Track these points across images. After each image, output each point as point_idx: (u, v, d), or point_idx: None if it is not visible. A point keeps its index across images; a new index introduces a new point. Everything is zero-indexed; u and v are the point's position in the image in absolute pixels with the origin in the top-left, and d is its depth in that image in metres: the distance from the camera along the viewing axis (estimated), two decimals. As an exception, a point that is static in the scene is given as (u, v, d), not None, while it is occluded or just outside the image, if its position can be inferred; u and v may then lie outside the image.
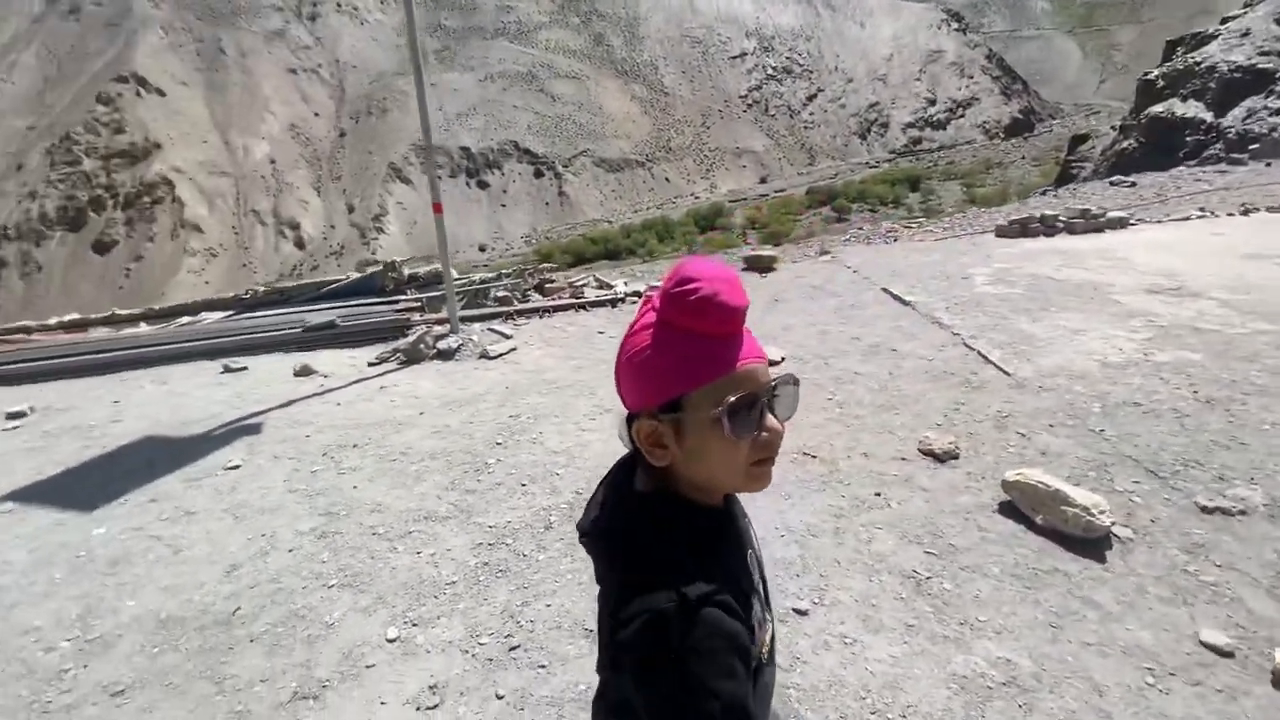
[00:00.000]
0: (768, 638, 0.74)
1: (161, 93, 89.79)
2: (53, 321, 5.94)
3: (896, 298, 6.01)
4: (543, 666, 2.12)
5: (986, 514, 2.82)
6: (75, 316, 6.12)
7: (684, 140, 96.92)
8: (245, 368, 5.39)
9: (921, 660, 2.08)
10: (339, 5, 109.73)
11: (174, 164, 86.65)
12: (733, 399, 0.68)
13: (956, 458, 3.28)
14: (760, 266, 7.62)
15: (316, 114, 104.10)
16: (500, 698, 2.01)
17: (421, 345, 5.44)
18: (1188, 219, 8.92)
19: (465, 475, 3.36)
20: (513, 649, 2.20)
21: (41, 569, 2.75)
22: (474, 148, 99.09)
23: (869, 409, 3.92)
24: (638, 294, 7.09)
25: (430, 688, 2.06)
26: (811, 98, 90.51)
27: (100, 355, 5.19)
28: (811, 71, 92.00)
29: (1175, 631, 2.14)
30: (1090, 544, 2.54)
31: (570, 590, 2.47)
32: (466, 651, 2.21)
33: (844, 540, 2.71)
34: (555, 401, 4.37)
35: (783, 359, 4.83)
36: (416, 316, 6.07)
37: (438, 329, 5.72)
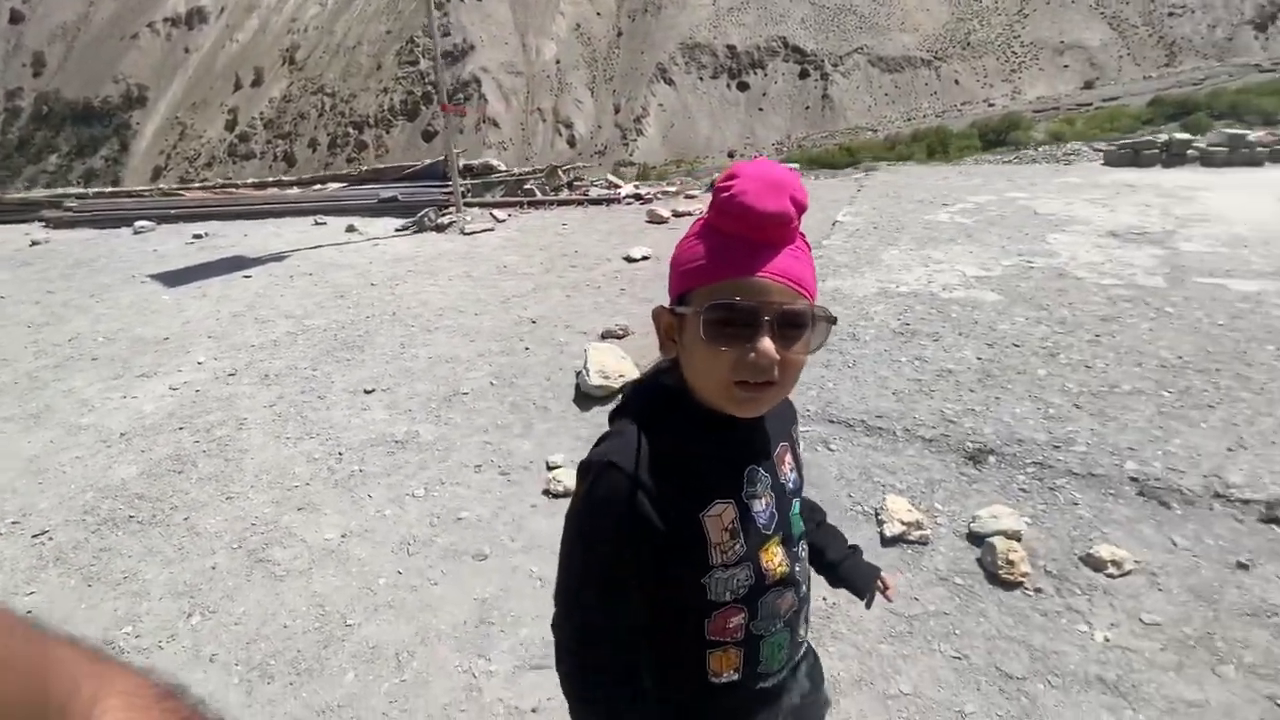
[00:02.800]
0: (735, 546, 0.72)
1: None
2: (251, 180, 8.98)
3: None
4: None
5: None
6: (261, 180, 9.10)
7: (989, 33, 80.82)
8: (325, 223, 7.64)
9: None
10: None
11: (482, 64, 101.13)
12: (713, 305, 0.64)
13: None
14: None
15: (599, 14, 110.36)
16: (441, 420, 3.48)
17: (425, 220, 7.03)
18: None
19: (371, 292, 4.86)
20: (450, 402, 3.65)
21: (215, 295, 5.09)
22: (740, 46, 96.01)
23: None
24: (637, 196, 7.62)
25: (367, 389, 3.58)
26: (1193, -30, 67.27)
27: (250, 207, 7.91)
28: (1203, -69, 67.90)
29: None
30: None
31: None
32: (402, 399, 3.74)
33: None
34: (462, 267, 5.60)
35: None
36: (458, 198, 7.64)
37: (449, 211, 7.23)
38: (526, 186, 8.00)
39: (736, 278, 0.64)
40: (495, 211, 7.31)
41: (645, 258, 5.33)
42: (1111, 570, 1.99)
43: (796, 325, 0.65)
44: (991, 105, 68.52)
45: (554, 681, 1.75)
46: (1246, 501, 2.15)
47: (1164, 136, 6.74)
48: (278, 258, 6.30)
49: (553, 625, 0.77)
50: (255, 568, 2.32)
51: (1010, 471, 2.41)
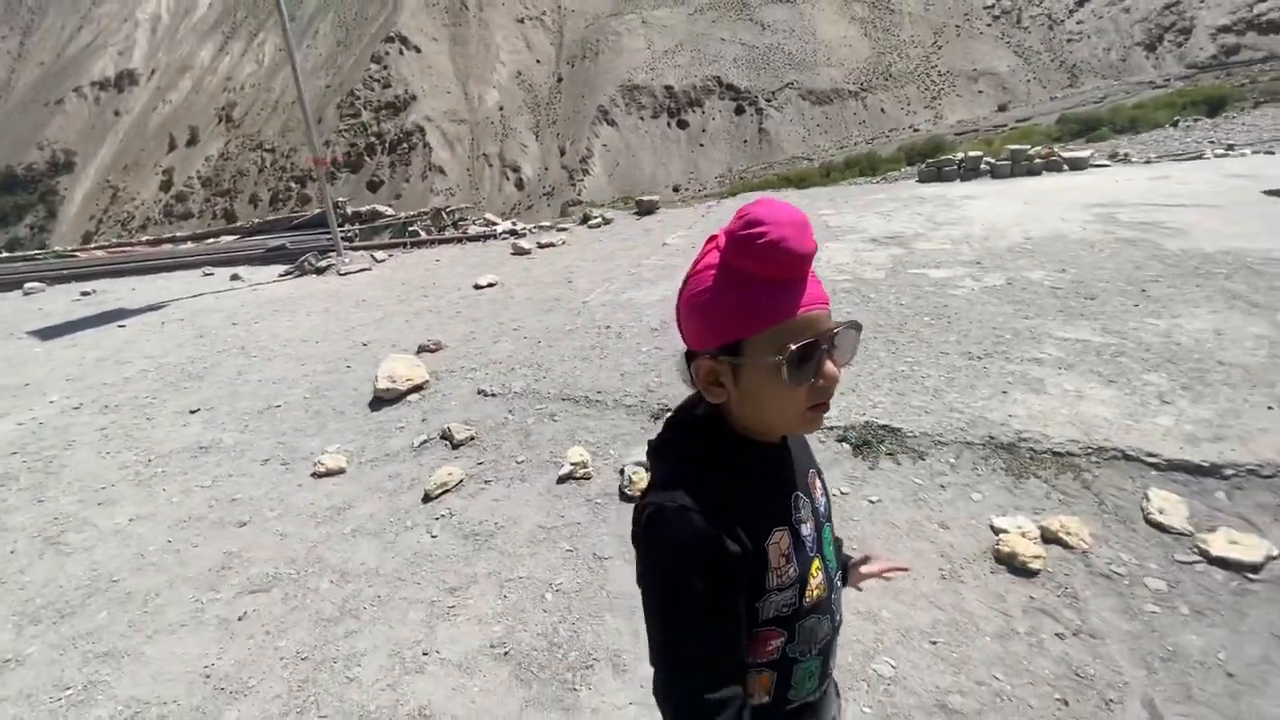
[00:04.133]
0: (790, 570, 0.75)
1: (418, 49, 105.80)
2: (145, 238, 9.43)
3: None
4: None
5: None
6: (153, 237, 9.58)
7: (908, 65, 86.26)
8: (213, 274, 8.11)
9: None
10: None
11: (425, 114, 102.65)
12: (794, 347, 0.67)
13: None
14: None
15: (538, 61, 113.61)
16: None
17: (306, 264, 7.58)
18: None
19: (230, 330, 5.35)
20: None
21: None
22: (677, 86, 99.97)
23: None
24: (512, 232, 8.36)
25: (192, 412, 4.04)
26: (1082, 2, 73.71)
27: (143, 263, 8.35)
28: (1088, -34, 74.56)
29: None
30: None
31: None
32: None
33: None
34: (324, 304, 6.15)
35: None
36: (343, 244, 8.21)
37: (331, 255, 7.80)
38: (412, 229, 8.66)
39: (793, 319, 0.68)
40: (377, 253, 7.93)
41: (491, 285, 5.99)
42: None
43: (845, 342, 0.72)
44: (917, 130, 72.76)
45: (264, 600, 2.30)
46: (831, 428, 2.86)
47: (960, 155, 7.85)
48: (156, 307, 6.76)
49: (658, 693, 0.75)
50: (48, 549, 2.80)
51: (677, 424, 3.09)
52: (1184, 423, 2.57)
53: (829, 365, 0.70)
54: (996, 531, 2.23)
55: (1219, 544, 2.03)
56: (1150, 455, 2.42)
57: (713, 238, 0.74)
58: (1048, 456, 2.53)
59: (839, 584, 0.88)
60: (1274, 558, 1.98)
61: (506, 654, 2.04)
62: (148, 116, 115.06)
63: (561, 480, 2.82)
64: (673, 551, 0.71)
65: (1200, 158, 7.48)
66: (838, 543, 0.94)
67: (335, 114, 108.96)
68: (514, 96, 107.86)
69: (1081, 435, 2.58)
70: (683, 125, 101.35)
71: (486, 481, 2.92)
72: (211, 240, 9.50)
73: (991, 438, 2.65)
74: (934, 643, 1.90)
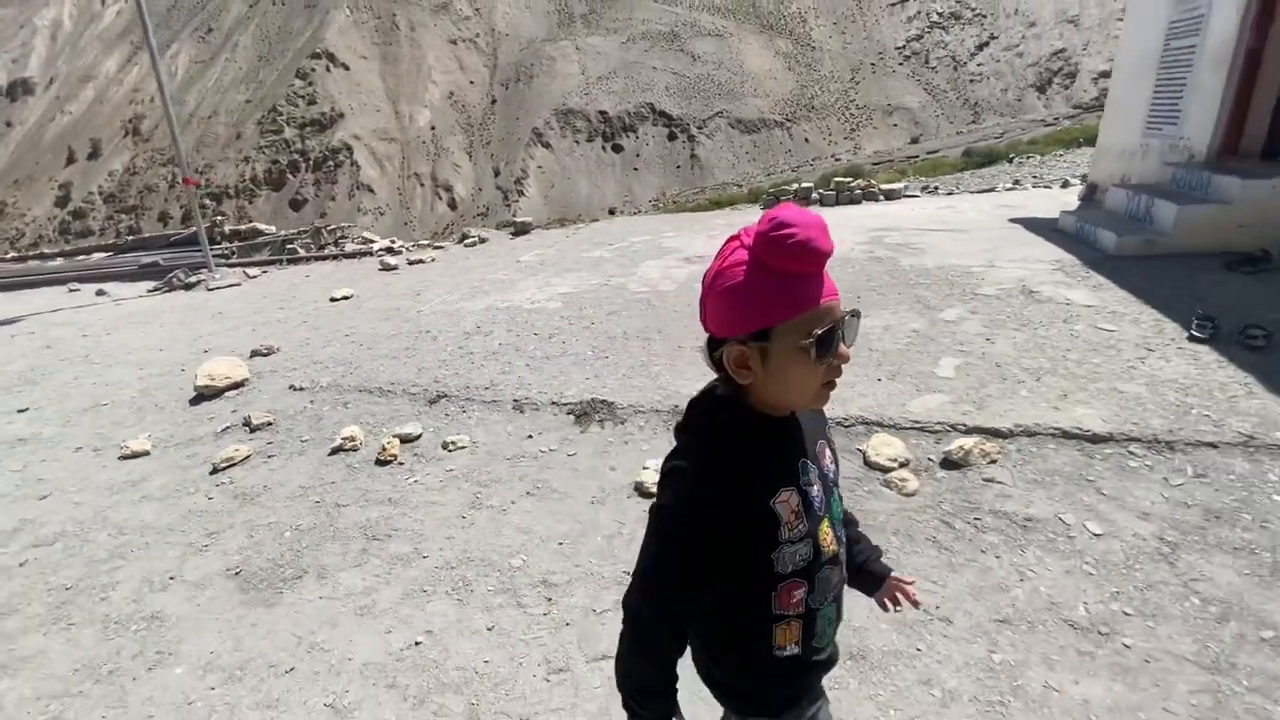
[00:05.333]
0: (800, 525, 0.86)
1: (346, 67, 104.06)
2: (9, 255, 9.39)
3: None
4: None
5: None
6: (21, 253, 9.55)
7: (829, 98, 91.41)
8: (79, 289, 8.22)
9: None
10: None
11: (353, 132, 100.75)
12: (819, 331, 0.79)
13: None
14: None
15: (472, 82, 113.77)
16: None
17: (174, 280, 7.84)
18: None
19: (79, 342, 5.58)
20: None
21: None
22: (611, 111, 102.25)
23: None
24: (389, 249, 8.88)
25: None
26: (982, 46, 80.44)
27: (4, 279, 8.36)
28: (984, 16, 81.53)
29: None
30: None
31: None
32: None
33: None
34: (182, 317, 6.47)
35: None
36: (216, 262, 8.46)
37: (202, 271, 8.07)
38: (290, 246, 9.02)
39: (817, 307, 0.80)
40: (251, 270, 8.25)
41: (346, 297, 6.49)
42: (452, 449, 3.30)
43: (853, 325, 0.85)
44: (838, 159, 77.06)
45: (46, 550, 2.76)
46: (561, 404, 3.57)
47: (795, 185, 8.98)
48: (9, 321, 6.88)
49: (626, 604, 0.91)
50: None
51: (446, 404, 3.73)
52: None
53: (843, 348, 0.84)
54: (646, 470, 2.96)
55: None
56: (776, 415, 3.24)
57: (734, 238, 0.85)
58: (711, 419, 3.31)
59: (844, 537, 1.00)
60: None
61: (238, 574, 2.60)
62: (44, 128, 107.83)
63: (333, 452, 3.40)
64: (678, 502, 0.85)
65: (992, 190, 8.82)
66: (849, 517, 1.07)
67: (256, 130, 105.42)
68: (447, 116, 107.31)
69: (741, 403, 3.38)
70: (617, 149, 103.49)
71: (270, 456, 3.46)
72: (83, 257, 9.54)
73: (677, 407, 3.42)
74: (560, 544, 2.59)
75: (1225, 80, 5.33)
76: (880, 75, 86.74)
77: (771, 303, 0.80)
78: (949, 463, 2.79)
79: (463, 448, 3.31)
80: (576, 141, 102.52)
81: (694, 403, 0.93)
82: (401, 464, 3.24)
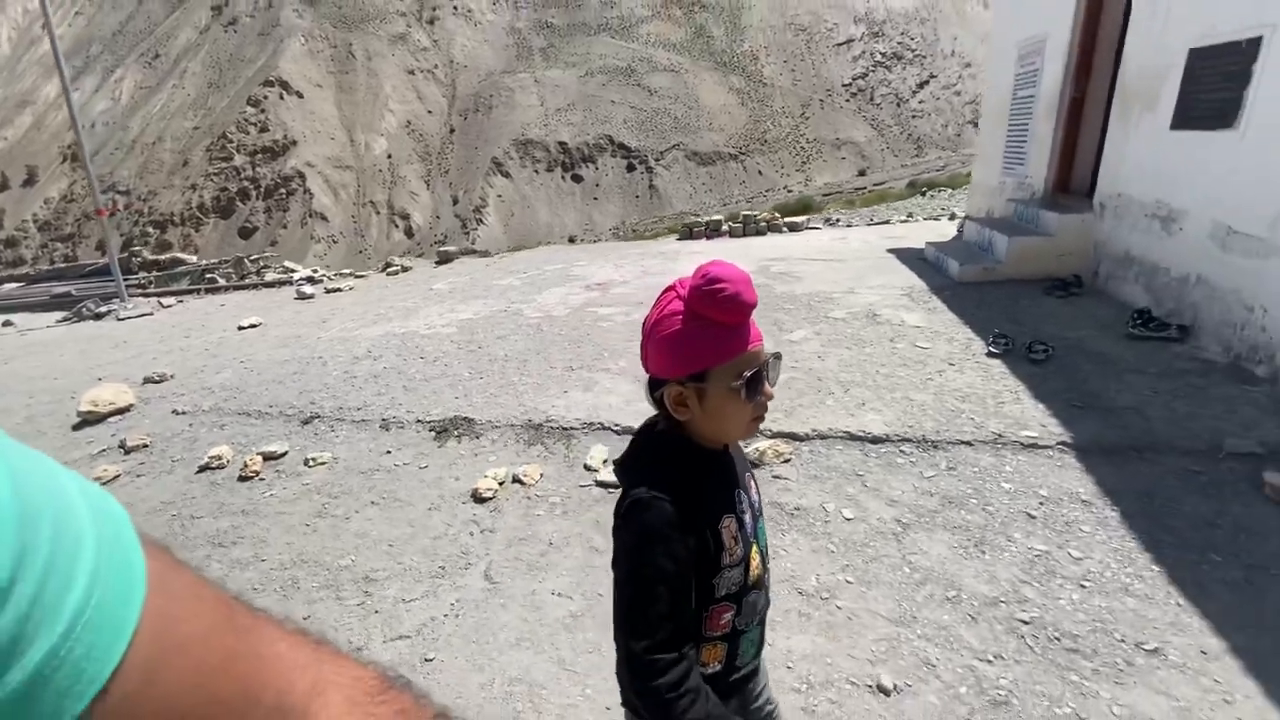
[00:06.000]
0: (738, 549, 0.95)
1: (300, 95, 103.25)
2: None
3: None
4: None
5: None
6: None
7: (780, 132, 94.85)
8: (-15, 319, 8.14)
9: None
10: (455, 8, 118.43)
11: (307, 159, 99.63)
12: (748, 373, 0.90)
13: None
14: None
15: (430, 111, 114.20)
16: None
17: (84, 310, 7.86)
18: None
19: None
20: None
21: None
22: (570, 142, 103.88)
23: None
24: (310, 279, 9.06)
25: None
26: (923, 84, 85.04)
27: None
28: (924, 57, 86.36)
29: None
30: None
31: None
32: None
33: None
34: (83, 346, 6.52)
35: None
36: (131, 292, 8.48)
37: (114, 301, 8.11)
38: (209, 276, 9.11)
39: (746, 351, 0.91)
40: (166, 299, 8.32)
41: (253, 326, 6.65)
42: (313, 464, 3.54)
43: (775, 368, 0.97)
44: (790, 191, 79.71)
45: None
46: (426, 421, 3.85)
47: (705, 218, 9.57)
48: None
49: (620, 666, 0.91)
50: None
51: (318, 424, 3.97)
52: (639, 400, 3.78)
53: (767, 386, 0.95)
54: (485, 478, 3.27)
55: (603, 470, 3.17)
56: (614, 424, 3.59)
57: (670, 288, 0.96)
58: (558, 430, 3.64)
59: (769, 563, 1.08)
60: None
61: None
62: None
63: (200, 470, 3.60)
64: (645, 531, 0.89)
65: (887, 223, 9.55)
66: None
67: (204, 156, 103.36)
68: (404, 145, 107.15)
69: (588, 416, 3.72)
70: (577, 179, 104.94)
71: (139, 476, 3.64)
72: (-8, 286, 9.44)
73: (530, 421, 3.74)
74: (390, 546, 2.87)
75: (1055, 126, 6.07)
76: (829, 111, 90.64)
77: (705, 349, 0.91)
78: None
79: (323, 463, 3.55)
80: (536, 171, 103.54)
81: (637, 439, 1.03)
82: (262, 479, 3.47)
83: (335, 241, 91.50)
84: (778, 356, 0.99)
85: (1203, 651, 2.01)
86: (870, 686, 2.00)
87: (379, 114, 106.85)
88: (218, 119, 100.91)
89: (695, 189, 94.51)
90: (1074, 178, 6.17)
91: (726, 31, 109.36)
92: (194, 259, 9.65)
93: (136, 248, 9.62)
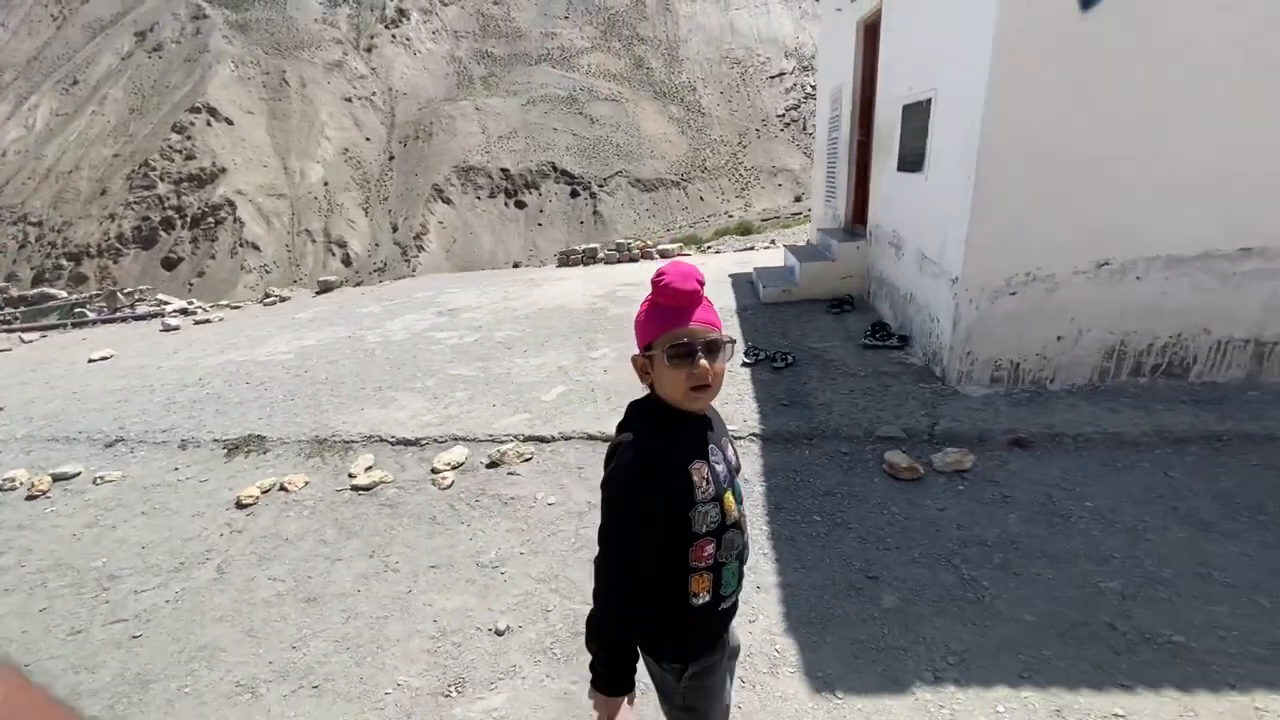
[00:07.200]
0: (709, 488, 1.14)
1: (230, 121, 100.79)
2: None
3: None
4: None
5: None
6: None
7: (719, 160, 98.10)
8: None
9: None
10: (393, 37, 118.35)
11: (237, 187, 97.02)
12: (673, 345, 1.10)
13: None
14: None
15: (368, 139, 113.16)
16: None
17: (-65, 345, 7.80)
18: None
19: None
20: None
21: None
22: (513, 169, 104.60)
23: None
24: (183, 311, 9.20)
25: None
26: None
27: None
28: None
29: None
30: None
31: None
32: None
33: None
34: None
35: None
36: None
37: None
38: (79, 309, 9.14)
39: (678, 328, 1.11)
40: (26, 335, 8.32)
41: (104, 358, 6.81)
42: (101, 482, 3.84)
43: (715, 349, 1.13)
44: (731, 216, 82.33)
45: None
46: (222, 440, 4.19)
47: (586, 246, 10.23)
48: None
49: (596, 563, 1.16)
50: None
51: (120, 446, 4.27)
52: (426, 415, 4.25)
53: (701, 361, 1.11)
54: (252, 487, 3.64)
55: (361, 476, 3.60)
56: (390, 436, 4.03)
57: None
58: (339, 444, 4.05)
59: (745, 512, 1.27)
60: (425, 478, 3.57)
61: None
62: None
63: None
64: (627, 465, 1.10)
65: (752, 249, 10.37)
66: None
67: (124, 185, 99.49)
68: (340, 172, 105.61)
69: (370, 430, 4.15)
70: (520, 205, 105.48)
71: (-71, 498, 3.86)
72: None
73: (316, 436, 4.14)
74: (143, 548, 3.22)
75: (849, 165, 6.92)
76: (765, 140, 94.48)
77: (651, 325, 1.14)
78: (491, 463, 3.66)
79: (111, 481, 3.86)
80: (478, 198, 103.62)
81: (632, 405, 1.23)
82: (48, 497, 3.75)
83: (268, 271, 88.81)
84: (730, 341, 1.20)
85: (757, 587, 2.57)
86: (490, 630, 2.48)
87: (314, 141, 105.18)
88: (139, 146, 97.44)
89: (639, 215, 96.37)
90: (868, 211, 7.03)
91: (665, 63, 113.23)
92: (63, 294, 9.62)
93: (49, 279, 9.50)
